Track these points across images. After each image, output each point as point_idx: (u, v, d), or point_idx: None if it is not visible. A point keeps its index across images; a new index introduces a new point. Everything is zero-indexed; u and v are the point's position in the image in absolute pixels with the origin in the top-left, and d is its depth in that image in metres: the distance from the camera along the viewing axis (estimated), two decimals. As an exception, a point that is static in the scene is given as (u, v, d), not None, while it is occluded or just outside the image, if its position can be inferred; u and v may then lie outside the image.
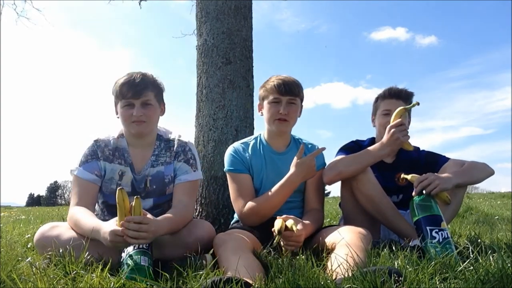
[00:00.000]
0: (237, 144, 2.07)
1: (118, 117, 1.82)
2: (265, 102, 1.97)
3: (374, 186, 1.93)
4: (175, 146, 1.89)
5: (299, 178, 1.82)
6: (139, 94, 1.72)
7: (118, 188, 1.42)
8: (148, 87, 1.75)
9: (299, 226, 1.63)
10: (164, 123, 1.99)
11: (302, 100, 2.00)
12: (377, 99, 2.23)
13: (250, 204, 1.88)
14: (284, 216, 1.68)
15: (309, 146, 2.09)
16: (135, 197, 1.44)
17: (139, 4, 4.86)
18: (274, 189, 1.85)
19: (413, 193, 1.71)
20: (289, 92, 1.90)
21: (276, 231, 1.58)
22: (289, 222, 1.61)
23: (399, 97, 2.12)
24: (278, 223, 1.61)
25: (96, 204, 1.89)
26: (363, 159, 1.92)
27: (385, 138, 1.90)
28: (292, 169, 1.82)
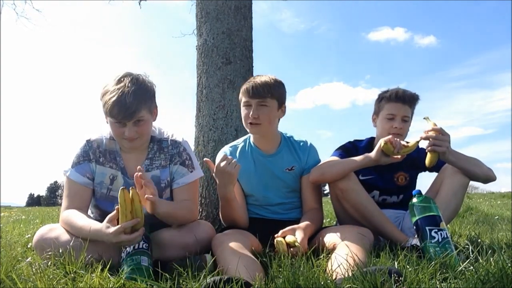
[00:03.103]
0: (226, 148, 2.06)
1: (107, 123, 1.71)
2: (241, 105, 1.94)
3: (357, 194, 1.90)
4: (169, 147, 1.81)
5: (221, 188, 1.76)
6: (131, 117, 1.59)
7: (120, 188, 1.40)
8: (140, 107, 1.59)
9: (299, 235, 1.63)
10: (164, 123, 1.97)
11: (279, 99, 1.91)
12: (381, 98, 2.15)
13: (220, 210, 1.89)
14: (281, 232, 1.66)
15: (301, 144, 2.05)
16: (130, 187, 1.42)
17: (139, 4, 4.86)
18: (221, 203, 1.83)
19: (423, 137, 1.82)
20: (256, 95, 1.84)
21: (282, 255, 1.53)
22: (290, 238, 1.60)
23: (405, 101, 2.06)
24: (280, 245, 1.58)
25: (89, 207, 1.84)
26: (347, 164, 1.91)
27: (374, 151, 1.86)
28: None
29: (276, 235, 1.66)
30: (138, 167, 1.47)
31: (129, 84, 1.60)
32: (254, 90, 1.84)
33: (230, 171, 1.69)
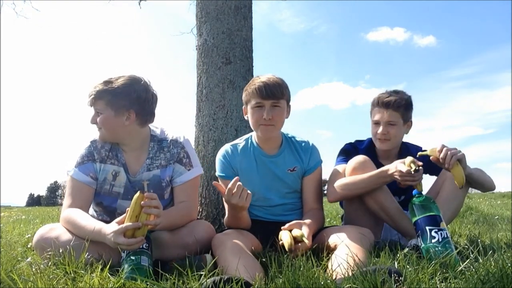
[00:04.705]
0: (227, 146, 2.03)
1: None
2: (249, 107, 1.89)
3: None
4: (170, 147, 1.84)
5: (233, 211, 1.70)
6: (91, 104, 1.75)
7: (139, 191, 1.43)
8: (98, 97, 1.71)
9: (305, 230, 1.61)
10: (164, 123, 1.97)
11: (288, 101, 1.91)
12: (372, 103, 2.16)
13: (226, 216, 1.86)
14: (287, 226, 1.63)
15: (303, 144, 2.03)
16: (138, 191, 1.44)
17: (139, 4, 4.86)
18: (229, 215, 1.78)
19: (441, 158, 1.72)
20: (271, 96, 1.80)
21: (287, 249, 1.51)
22: (296, 232, 1.58)
23: (388, 106, 2.05)
24: (286, 238, 1.54)
25: (91, 206, 1.86)
26: (367, 184, 1.86)
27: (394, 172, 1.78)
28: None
29: (282, 227, 1.63)
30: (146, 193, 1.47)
31: (107, 79, 1.73)
32: (268, 91, 1.80)
33: (243, 205, 1.59)
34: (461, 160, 1.74)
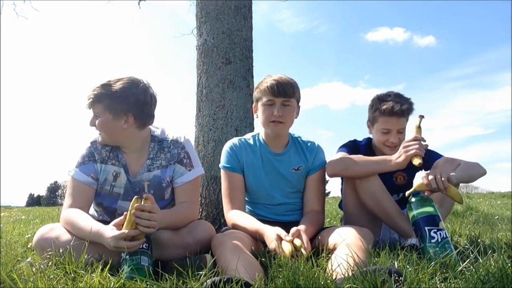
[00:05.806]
0: (235, 140, 2.04)
1: None
2: (259, 104, 1.91)
3: (376, 182, 1.92)
4: (170, 147, 1.83)
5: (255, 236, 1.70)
6: (89, 106, 1.73)
7: (135, 197, 1.45)
8: (96, 100, 1.69)
9: (304, 238, 1.58)
10: (164, 123, 1.97)
11: (298, 101, 1.93)
12: (375, 109, 2.08)
13: (231, 216, 1.86)
14: (288, 239, 1.56)
15: (308, 144, 2.05)
16: (144, 196, 1.46)
17: (138, 4, 4.86)
18: (247, 225, 1.76)
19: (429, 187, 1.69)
20: (282, 94, 1.83)
21: (288, 256, 1.46)
22: (296, 242, 1.55)
23: (400, 115, 2.01)
24: (287, 247, 1.51)
25: (91, 206, 1.86)
26: (372, 166, 1.89)
27: (402, 156, 1.82)
28: (268, 235, 1.62)
29: (284, 239, 1.57)
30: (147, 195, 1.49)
31: (106, 82, 1.72)
32: (280, 89, 1.82)
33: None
34: (449, 178, 1.71)
